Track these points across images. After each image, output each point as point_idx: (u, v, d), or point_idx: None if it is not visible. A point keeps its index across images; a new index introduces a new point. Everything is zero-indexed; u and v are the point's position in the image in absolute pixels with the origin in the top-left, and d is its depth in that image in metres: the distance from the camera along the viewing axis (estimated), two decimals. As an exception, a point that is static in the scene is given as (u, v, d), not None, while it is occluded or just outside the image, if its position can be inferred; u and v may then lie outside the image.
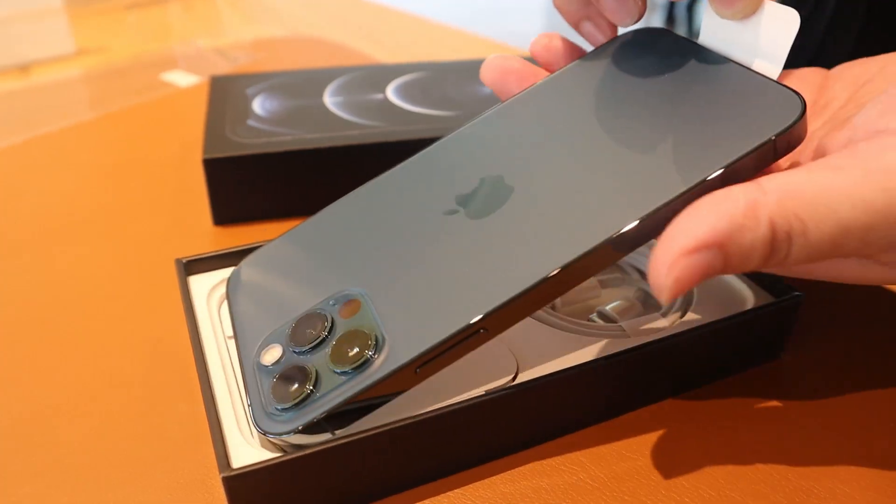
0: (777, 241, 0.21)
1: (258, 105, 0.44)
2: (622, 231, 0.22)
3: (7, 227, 0.41)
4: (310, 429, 0.22)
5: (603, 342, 0.27)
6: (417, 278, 0.25)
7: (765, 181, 0.21)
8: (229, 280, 0.29)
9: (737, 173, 0.23)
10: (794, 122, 0.23)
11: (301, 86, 0.46)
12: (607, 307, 0.30)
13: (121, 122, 0.55)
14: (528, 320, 0.29)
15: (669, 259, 0.20)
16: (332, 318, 0.25)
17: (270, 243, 0.30)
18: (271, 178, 0.39)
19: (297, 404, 0.23)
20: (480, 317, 0.22)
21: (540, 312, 0.29)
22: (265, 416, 0.23)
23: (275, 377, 0.24)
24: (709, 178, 0.22)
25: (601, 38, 0.30)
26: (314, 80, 0.47)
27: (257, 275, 0.29)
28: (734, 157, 0.23)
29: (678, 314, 0.30)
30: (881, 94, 0.23)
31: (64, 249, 0.39)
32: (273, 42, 0.74)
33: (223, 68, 0.66)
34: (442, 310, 0.23)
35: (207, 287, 0.31)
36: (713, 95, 0.25)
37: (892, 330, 0.31)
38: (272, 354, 0.25)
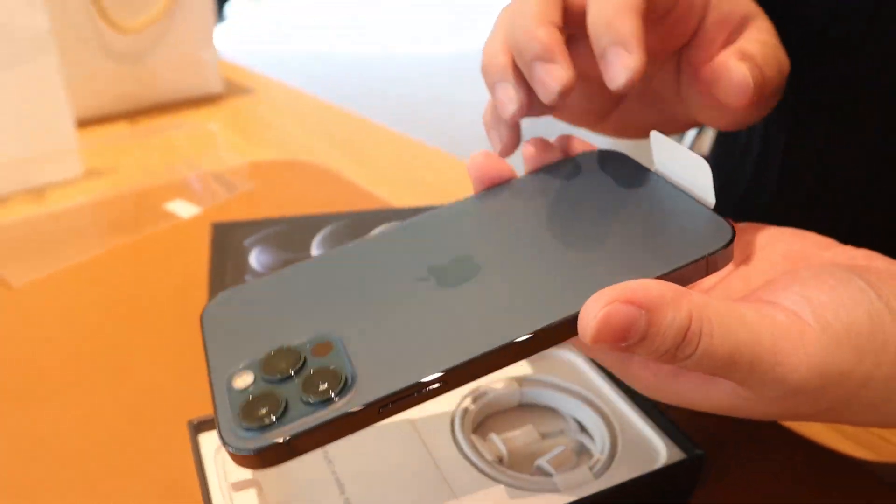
0: (690, 333, 0.26)
1: (254, 259, 0.50)
2: (560, 320, 0.28)
3: (15, 375, 0.46)
4: (273, 450, 0.25)
5: (539, 497, 0.33)
6: (388, 332, 0.29)
7: (691, 291, 0.27)
8: (206, 309, 0.32)
9: (675, 280, 0.28)
10: (726, 245, 0.29)
11: (292, 237, 0.53)
12: (545, 459, 0.36)
13: (127, 257, 0.60)
14: (476, 475, 0.35)
15: (603, 301, 0.25)
16: (305, 356, 0.28)
17: (254, 281, 0.33)
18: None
19: (265, 426, 0.25)
20: (440, 374, 0.27)
21: (487, 468, 0.35)
22: (233, 434, 0.26)
23: (245, 400, 0.27)
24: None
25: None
26: (304, 230, 0.54)
27: (236, 308, 0.32)
28: (674, 267, 0.29)
29: (606, 463, 0.36)
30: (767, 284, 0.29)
31: (65, 393, 0.44)
32: (269, 167, 0.79)
33: (222, 196, 0.73)
34: (407, 361, 0.28)
35: (217, 444, 0.36)
36: (660, 215, 0.32)
37: (787, 478, 0.37)
38: (244, 380, 0.28)
